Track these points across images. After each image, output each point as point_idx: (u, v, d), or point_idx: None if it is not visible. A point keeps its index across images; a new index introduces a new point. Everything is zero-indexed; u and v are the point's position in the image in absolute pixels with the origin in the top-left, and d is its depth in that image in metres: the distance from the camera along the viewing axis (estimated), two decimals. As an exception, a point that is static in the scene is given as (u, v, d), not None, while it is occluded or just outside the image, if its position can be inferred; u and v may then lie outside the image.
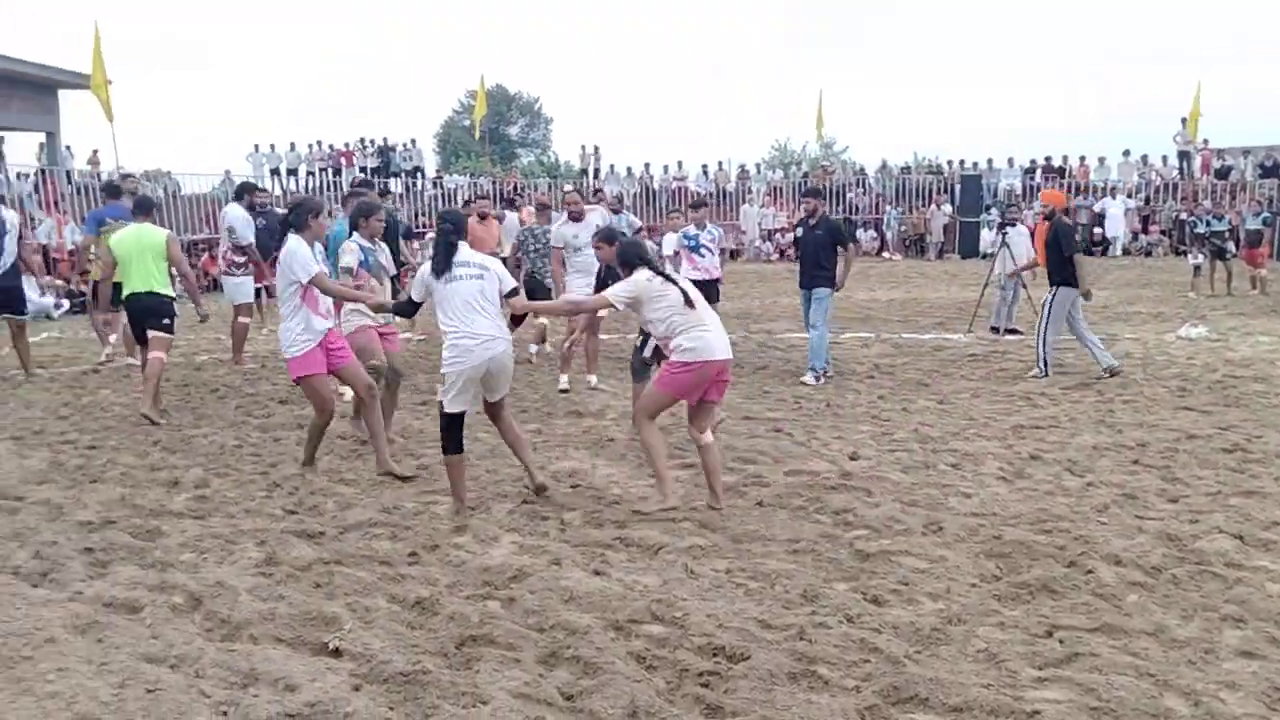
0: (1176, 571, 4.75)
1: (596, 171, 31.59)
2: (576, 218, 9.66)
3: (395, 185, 28.10)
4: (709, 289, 10.45)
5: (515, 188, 27.26)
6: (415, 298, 5.82)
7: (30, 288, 15.41)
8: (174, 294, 8.59)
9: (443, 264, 5.67)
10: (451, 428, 5.71)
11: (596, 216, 9.81)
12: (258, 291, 12.21)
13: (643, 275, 5.79)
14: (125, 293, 8.46)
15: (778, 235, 28.31)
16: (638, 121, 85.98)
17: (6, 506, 5.84)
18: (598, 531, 5.41)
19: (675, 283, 5.84)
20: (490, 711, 3.44)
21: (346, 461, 6.79)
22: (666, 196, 29.03)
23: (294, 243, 6.21)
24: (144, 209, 8.74)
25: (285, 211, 6.29)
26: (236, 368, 10.77)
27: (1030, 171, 29.88)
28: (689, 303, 5.74)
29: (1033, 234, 12.39)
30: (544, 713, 3.46)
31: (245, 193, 11.68)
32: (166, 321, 8.36)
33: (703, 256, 10.48)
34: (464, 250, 5.77)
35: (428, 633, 4.13)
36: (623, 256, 5.92)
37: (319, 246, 6.48)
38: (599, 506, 5.83)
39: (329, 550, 5.08)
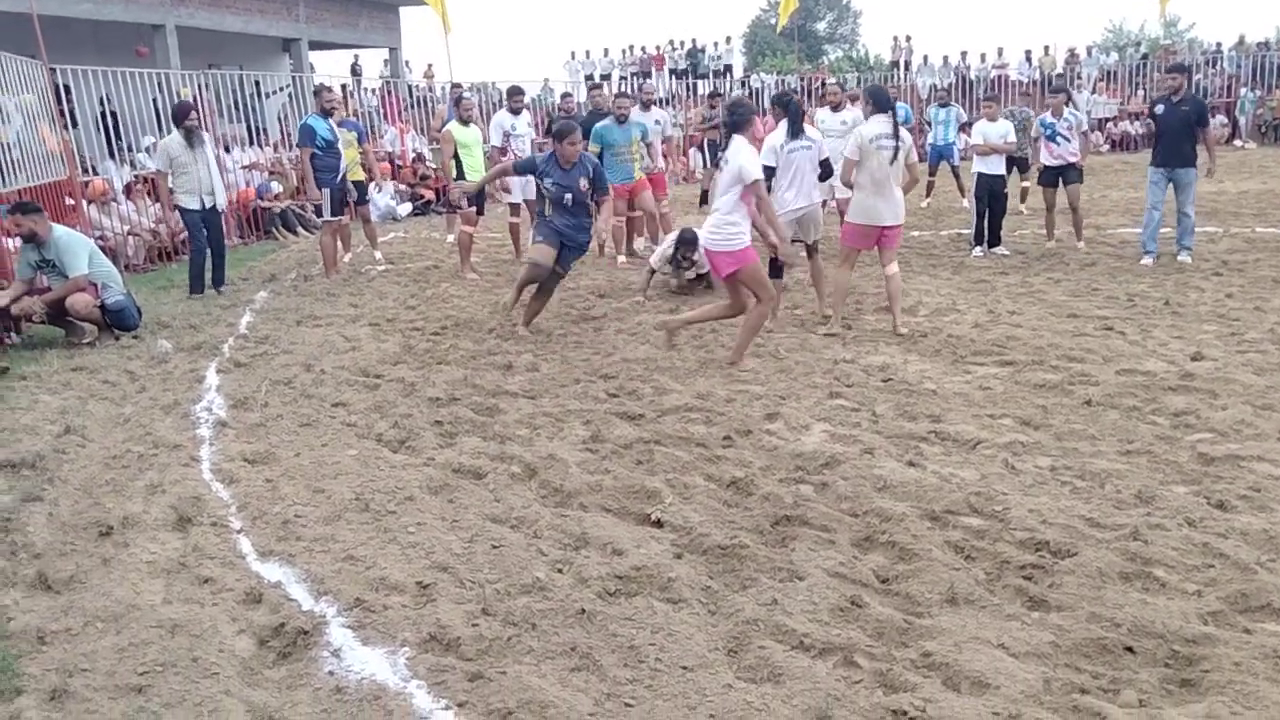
0: None
1: (908, 64, 30.21)
2: (836, 108, 10.54)
3: (703, 87, 28.20)
4: (1067, 173, 10.83)
5: (823, 84, 26.59)
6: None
7: (384, 194, 16.96)
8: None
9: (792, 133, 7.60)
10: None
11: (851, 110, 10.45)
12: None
13: None
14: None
15: (1109, 124, 26.02)
16: (954, 7, 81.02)
17: (369, 383, 6.54)
18: (911, 424, 5.33)
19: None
20: (807, 586, 3.53)
21: (662, 351, 7.03)
22: (984, 86, 27.35)
23: (740, 143, 6.36)
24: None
25: (727, 111, 6.73)
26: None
27: None
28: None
29: None
30: (860, 592, 3.50)
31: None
32: None
33: (1059, 144, 10.77)
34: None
35: (743, 511, 4.26)
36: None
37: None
38: (912, 399, 5.73)
39: (648, 431, 5.33)
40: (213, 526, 4.29)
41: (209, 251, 10.00)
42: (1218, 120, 26.31)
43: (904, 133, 7.34)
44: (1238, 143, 25.28)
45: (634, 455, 4.97)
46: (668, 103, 26.29)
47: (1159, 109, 9.80)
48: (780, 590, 3.51)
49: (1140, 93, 27.13)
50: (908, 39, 31.13)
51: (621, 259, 10.92)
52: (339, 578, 3.73)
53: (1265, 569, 3.58)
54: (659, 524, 4.15)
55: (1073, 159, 10.72)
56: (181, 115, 9.80)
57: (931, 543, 3.87)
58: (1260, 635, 3.17)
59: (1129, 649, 3.11)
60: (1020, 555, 3.75)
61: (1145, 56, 30.91)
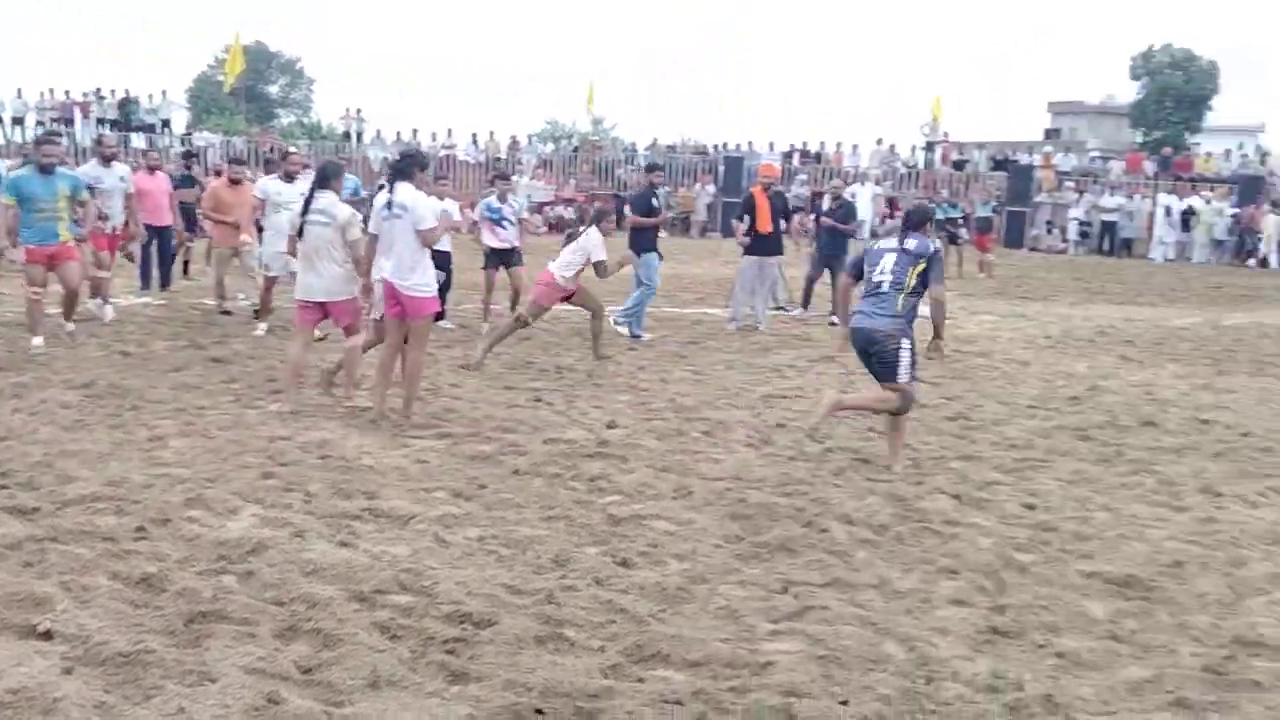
0: (901, 529, 5.10)
1: (359, 135, 30.53)
2: (290, 178, 10.12)
3: (137, 140, 26.15)
4: (510, 256, 11.13)
5: (272, 149, 25.91)
6: None
7: None
8: None
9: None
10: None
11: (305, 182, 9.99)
12: None
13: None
14: None
15: (547, 208, 28.22)
16: (406, 85, 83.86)
17: None
18: (346, 502, 5.24)
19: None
20: (219, 689, 3.28)
21: (69, 433, 6.27)
22: (434, 165, 28.40)
23: (409, 189, 6.84)
24: None
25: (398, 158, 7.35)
26: None
27: (789, 155, 31.16)
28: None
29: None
30: (278, 687, 3.32)
31: None
32: None
33: (504, 228, 11.08)
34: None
35: (153, 611, 3.87)
36: None
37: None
38: (348, 477, 5.64)
39: (43, 527, 4.65)
40: None
41: None
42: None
43: (340, 209, 7.12)
44: (651, 232, 28.68)
45: (21, 557, 4.30)
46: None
47: (656, 202, 11.28)
48: (188, 696, 3.23)
49: (572, 181, 29.86)
50: (358, 111, 31.51)
51: (69, 327, 9.43)
52: None
53: (657, 620, 3.98)
54: (48, 635, 3.62)
55: (517, 243, 11.29)
56: None
57: (358, 625, 3.79)
58: (651, 682, 3.50)
59: (539, 711, 3.27)
60: (445, 629, 3.80)
61: (577, 148, 34.17)
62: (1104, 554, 4.88)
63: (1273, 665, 3.75)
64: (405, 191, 6.82)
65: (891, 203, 30.47)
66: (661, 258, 10.98)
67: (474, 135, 30.88)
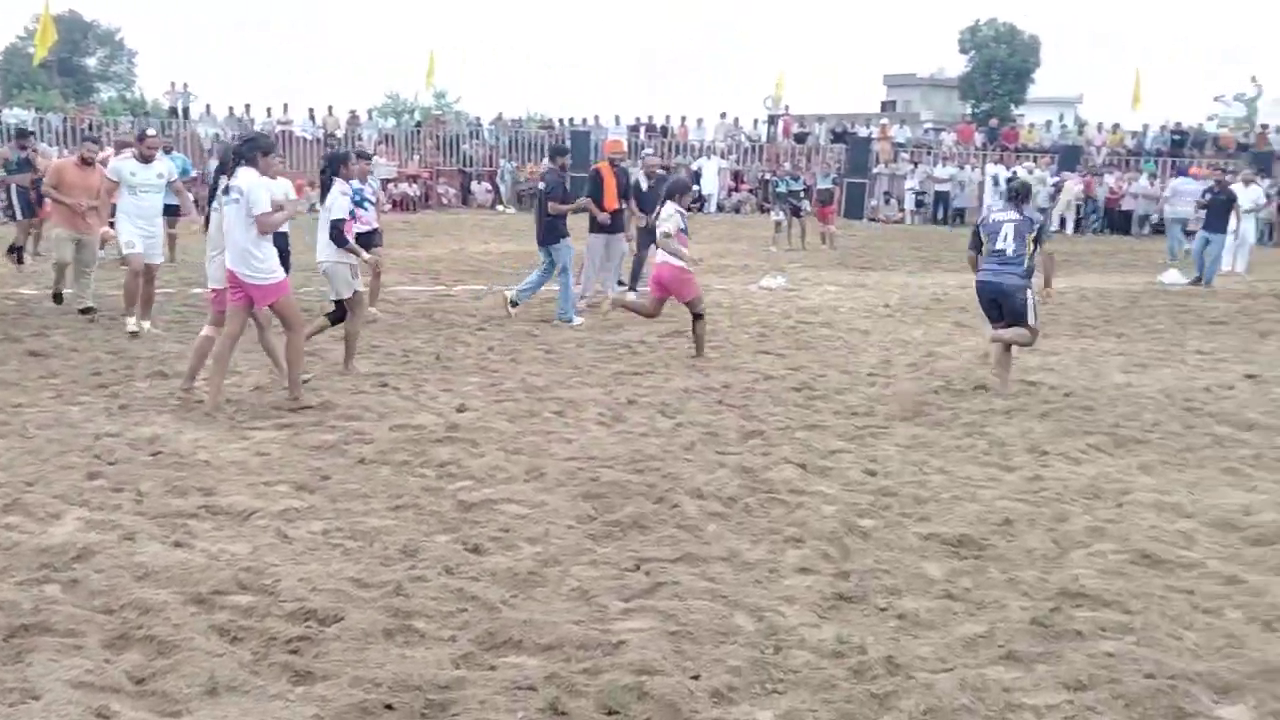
0: (749, 500, 5.20)
1: (186, 111, 29.10)
2: (147, 159, 9.46)
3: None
4: (373, 237, 10.46)
5: (91, 125, 24.47)
6: None
7: None
8: None
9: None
10: None
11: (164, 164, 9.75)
12: None
13: None
14: None
15: (390, 185, 27.54)
16: (235, 58, 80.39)
17: None
18: (180, 500, 5.01)
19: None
20: (43, 706, 3.10)
21: None
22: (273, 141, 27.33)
23: (250, 174, 6.63)
24: None
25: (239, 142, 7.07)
26: None
27: (635, 129, 31.24)
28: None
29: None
30: (108, 700, 3.16)
31: None
32: None
33: (365, 210, 10.46)
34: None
35: (-33, 628, 3.62)
36: None
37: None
38: (182, 473, 5.39)
39: None
40: None
41: None
42: (484, 187, 29.37)
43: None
44: (499, 208, 28.40)
45: None
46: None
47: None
48: (9, 716, 3.04)
49: (416, 157, 29.19)
50: (185, 85, 30.01)
51: None
52: None
53: (509, 605, 3.95)
54: None
55: (377, 224, 10.84)
56: None
57: (195, 630, 3.63)
58: (502, 669, 3.47)
59: (389, 706, 3.20)
60: (288, 628, 3.68)
61: (419, 124, 33.44)
62: (940, 516, 5.09)
63: (1093, 614, 3.98)
64: (242, 176, 6.65)
65: (736, 176, 30.98)
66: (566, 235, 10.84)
67: (311, 110, 29.82)
